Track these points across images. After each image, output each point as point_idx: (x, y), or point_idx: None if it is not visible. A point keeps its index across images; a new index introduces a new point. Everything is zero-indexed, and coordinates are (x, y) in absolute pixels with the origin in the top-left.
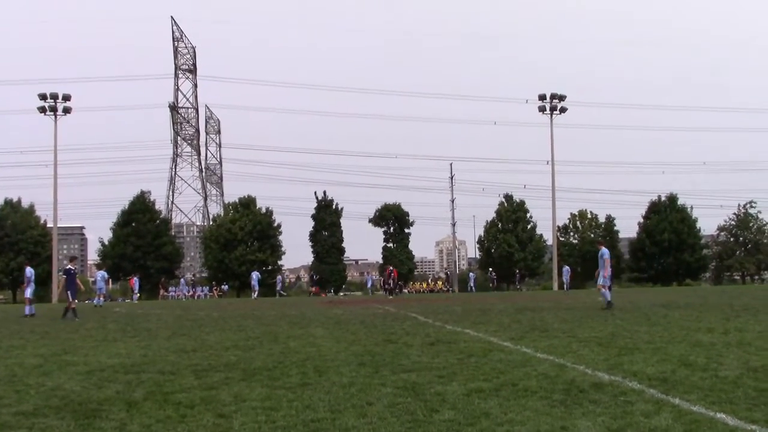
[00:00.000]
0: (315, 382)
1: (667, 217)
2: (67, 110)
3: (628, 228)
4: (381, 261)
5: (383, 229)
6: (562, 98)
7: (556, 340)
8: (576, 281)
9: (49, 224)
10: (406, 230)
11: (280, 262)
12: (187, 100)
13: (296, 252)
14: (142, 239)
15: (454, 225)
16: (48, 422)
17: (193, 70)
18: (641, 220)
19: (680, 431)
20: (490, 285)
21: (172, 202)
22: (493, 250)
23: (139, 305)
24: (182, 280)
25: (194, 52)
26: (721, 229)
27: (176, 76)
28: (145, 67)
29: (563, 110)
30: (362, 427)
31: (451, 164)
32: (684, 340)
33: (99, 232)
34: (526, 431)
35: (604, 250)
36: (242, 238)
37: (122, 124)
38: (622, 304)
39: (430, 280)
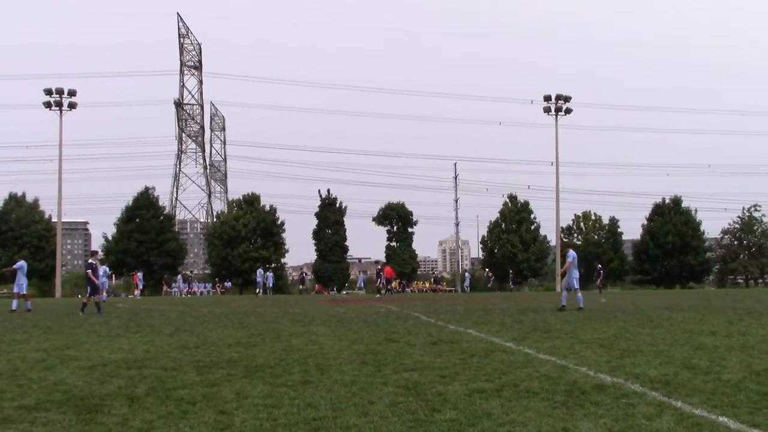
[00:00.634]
0: (317, 380)
1: (671, 220)
2: (72, 106)
3: (631, 230)
4: (384, 260)
5: (387, 228)
6: (567, 99)
7: (558, 341)
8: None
9: (54, 219)
10: (410, 229)
11: (283, 260)
12: (193, 96)
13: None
14: (145, 235)
15: (457, 225)
16: (50, 416)
17: (198, 67)
18: (645, 222)
19: None
20: (488, 285)
21: (176, 199)
22: (496, 251)
23: (142, 301)
24: (179, 276)
25: (200, 48)
26: (725, 232)
27: (181, 72)
28: (150, 64)
29: (568, 111)
30: (364, 426)
31: (455, 164)
32: (687, 343)
33: (103, 228)
34: None
35: (571, 253)
36: (246, 236)
37: (127, 120)
38: (625, 306)
39: (433, 280)
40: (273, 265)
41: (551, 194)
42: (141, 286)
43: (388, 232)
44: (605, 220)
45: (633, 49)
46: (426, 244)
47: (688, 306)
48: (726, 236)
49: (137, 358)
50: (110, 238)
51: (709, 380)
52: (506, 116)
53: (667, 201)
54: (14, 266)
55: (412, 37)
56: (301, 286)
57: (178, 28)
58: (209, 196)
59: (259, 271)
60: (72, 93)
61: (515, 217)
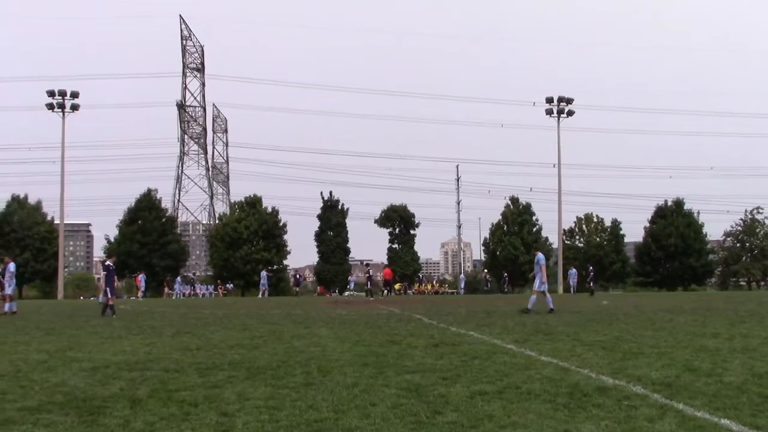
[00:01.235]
0: (319, 382)
1: (673, 222)
2: (75, 107)
3: (634, 232)
4: (386, 261)
5: (389, 230)
6: (569, 101)
7: (560, 343)
8: (581, 284)
9: (56, 221)
10: (412, 231)
11: (285, 262)
12: (195, 98)
13: (302, 252)
14: (148, 237)
15: (459, 227)
16: (52, 418)
17: (200, 69)
18: (647, 225)
19: None
20: (485, 288)
21: (179, 201)
22: (498, 253)
23: (144, 303)
24: (178, 278)
25: (202, 50)
26: (727, 234)
27: (184, 74)
28: (153, 66)
29: (570, 113)
30: (365, 428)
31: (457, 166)
32: (689, 346)
33: (105, 229)
34: None
35: (540, 256)
36: (248, 237)
37: (130, 122)
38: (627, 308)
39: (435, 282)
40: (275, 266)
41: (553, 196)
42: (143, 288)
43: (390, 234)
44: (607, 223)
45: (635, 52)
46: (428, 246)
47: (691, 308)
48: (728, 238)
49: (139, 359)
50: (112, 239)
51: (711, 383)
52: (508, 118)
53: (670, 203)
54: (11, 270)
55: (414, 39)
56: (296, 289)
57: (181, 31)
58: (211, 197)
59: (263, 273)
60: (74, 95)
61: (517, 219)
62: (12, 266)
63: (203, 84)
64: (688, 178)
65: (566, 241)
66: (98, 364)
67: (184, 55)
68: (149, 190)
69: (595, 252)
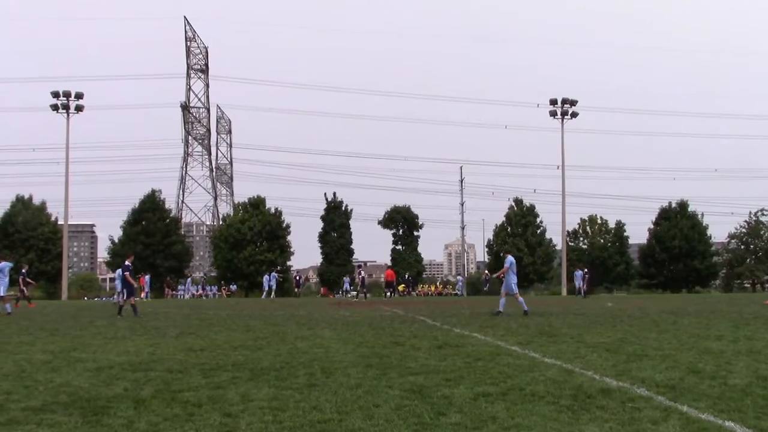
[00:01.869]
0: (322, 383)
1: (677, 224)
2: (79, 108)
3: (638, 234)
4: (390, 263)
5: (392, 231)
6: (573, 103)
7: (564, 345)
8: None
9: (60, 221)
10: (416, 233)
11: (288, 263)
12: (199, 99)
13: (305, 253)
14: (151, 238)
15: (463, 228)
16: (56, 418)
17: (205, 70)
18: (651, 226)
19: None
20: (484, 289)
21: (183, 202)
22: (502, 254)
23: (149, 304)
24: (188, 279)
25: (206, 52)
26: (731, 236)
27: (188, 75)
28: (157, 67)
29: (574, 115)
30: (369, 429)
31: (461, 167)
32: (693, 348)
33: (109, 230)
34: None
35: (509, 258)
36: (251, 238)
37: (134, 123)
38: (631, 310)
39: (438, 283)
40: (278, 267)
41: (557, 198)
42: (148, 289)
43: (394, 235)
44: (611, 224)
45: (639, 53)
46: (432, 248)
47: (695, 310)
48: (733, 240)
49: (143, 360)
50: (116, 240)
51: (715, 385)
52: (512, 120)
53: (674, 205)
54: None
55: (418, 40)
56: (297, 290)
57: (185, 32)
58: (215, 198)
59: (273, 275)
60: (79, 96)
61: (521, 220)
62: (3, 266)
63: (207, 85)
64: (692, 179)
65: (570, 243)
66: (102, 364)
67: (188, 57)
68: (153, 191)
69: (599, 254)
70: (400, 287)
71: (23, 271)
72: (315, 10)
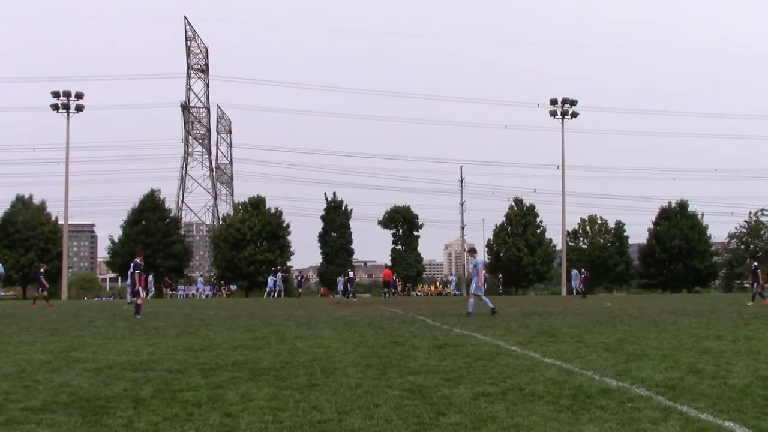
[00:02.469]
0: (322, 383)
1: (677, 224)
2: (79, 108)
3: (638, 234)
4: (389, 263)
5: (392, 231)
6: (573, 103)
7: (564, 345)
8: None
9: (60, 221)
10: (415, 233)
11: (288, 263)
12: (199, 99)
13: (305, 253)
14: (151, 237)
15: (463, 228)
16: (55, 418)
17: (205, 70)
18: (651, 226)
19: None
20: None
21: (182, 201)
22: (502, 254)
23: (149, 304)
24: (200, 279)
25: (207, 51)
26: (731, 236)
27: (188, 75)
28: (157, 67)
29: (574, 115)
30: (368, 429)
31: (461, 167)
32: (693, 348)
33: (109, 230)
34: None
35: (479, 260)
36: (251, 238)
37: (134, 123)
38: (631, 310)
39: (438, 283)
40: (279, 267)
41: (557, 198)
42: (152, 289)
43: (394, 235)
44: (611, 224)
45: (639, 53)
46: (432, 248)
47: (695, 310)
48: (732, 240)
49: (143, 360)
50: (116, 240)
51: (715, 385)
52: (512, 120)
53: (674, 205)
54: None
55: (419, 40)
56: (299, 290)
57: (185, 32)
58: (215, 198)
59: (274, 277)
60: (79, 95)
61: (521, 220)
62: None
63: (207, 85)
64: (692, 179)
65: (570, 243)
66: (102, 364)
67: (188, 56)
68: (153, 191)
69: (599, 254)
70: (398, 287)
71: (41, 271)
72: (315, 10)
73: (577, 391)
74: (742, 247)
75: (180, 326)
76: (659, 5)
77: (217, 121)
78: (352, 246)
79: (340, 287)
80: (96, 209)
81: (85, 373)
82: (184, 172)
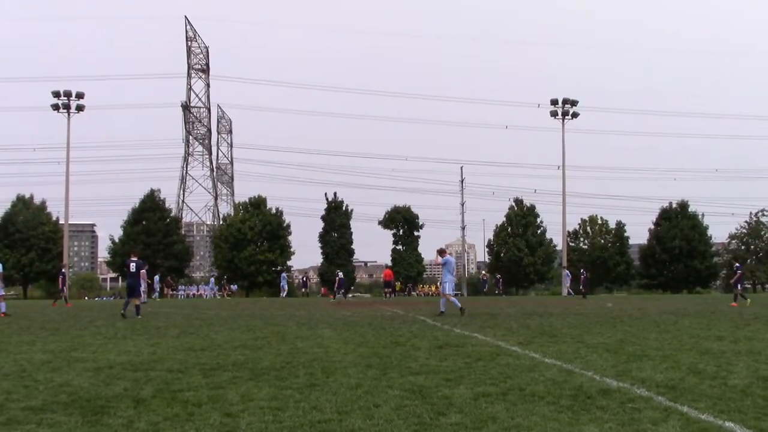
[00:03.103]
0: (322, 383)
1: (678, 224)
2: (80, 108)
3: (638, 234)
4: (390, 263)
5: (393, 232)
6: (574, 103)
7: (564, 345)
8: (576, 286)
9: (61, 221)
10: (416, 233)
11: (289, 263)
12: (200, 99)
13: (306, 253)
14: (152, 237)
15: (463, 228)
16: (56, 418)
17: (205, 70)
18: (652, 227)
19: None
20: (483, 290)
21: (183, 201)
22: (502, 254)
23: (150, 303)
24: (212, 279)
25: (207, 51)
26: (732, 237)
27: (189, 75)
28: (158, 67)
29: (575, 115)
30: (369, 429)
31: (461, 167)
32: (693, 348)
33: (110, 230)
34: None
35: (448, 258)
36: (252, 238)
37: (134, 123)
38: (631, 310)
39: (438, 283)
40: (279, 267)
41: (557, 198)
42: (157, 289)
43: (394, 235)
44: (612, 225)
45: (640, 54)
46: (432, 248)
47: (695, 311)
48: (733, 241)
49: (143, 360)
50: (117, 240)
51: (715, 385)
52: (513, 120)
53: (674, 205)
54: None
55: (419, 40)
56: (304, 290)
57: (186, 32)
58: (216, 198)
59: (284, 275)
60: (80, 95)
61: (521, 221)
62: None
63: (208, 85)
64: (692, 180)
65: (570, 243)
66: (102, 364)
67: (189, 56)
68: (153, 191)
69: (600, 254)
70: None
71: (63, 271)
72: (314, 10)
73: (577, 391)
74: (743, 247)
75: (181, 326)
76: (660, 5)
77: (218, 121)
78: (353, 246)
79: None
80: (96, 209)
81: (85, 373)
82: (184, 172)
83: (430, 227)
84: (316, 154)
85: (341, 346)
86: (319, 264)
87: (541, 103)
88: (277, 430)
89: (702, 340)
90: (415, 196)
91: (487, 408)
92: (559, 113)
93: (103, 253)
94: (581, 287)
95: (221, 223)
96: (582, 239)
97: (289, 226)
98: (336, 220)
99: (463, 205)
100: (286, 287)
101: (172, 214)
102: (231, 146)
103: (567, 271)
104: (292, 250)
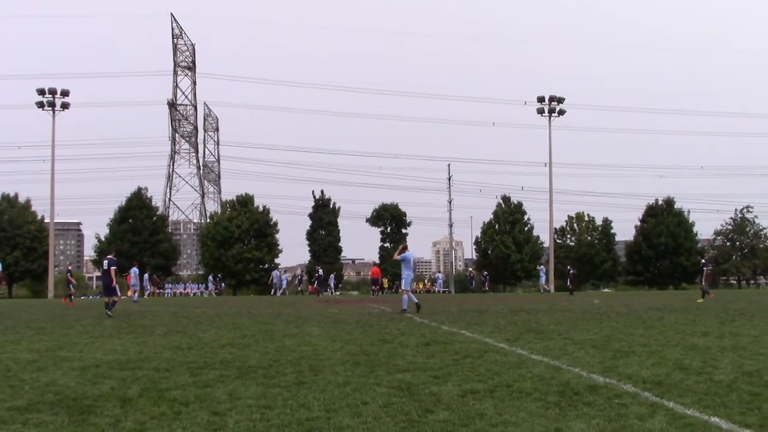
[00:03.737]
0: (310, 381)
1: (664, 221)
2: (65, 106)
3: (625, 231)
4: (378, 261)
5: (380, 229)
6: (560, 101)
7: (551, 342)
8: (563, 284)
9: (46, 219)
10: (404, 230)
11: (276, 261)
12: (186, 97)
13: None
14: (138, 236)
15: (451, 226)
16: (42, 417)
17: (192, 68)
18: (638, 224)
19: None
20: (470, 287)
21: (170, 199)
22: (489, 252)
23: (139, 302)
24: (210, 277)
25: (193, 49)
26: (717, 233)
27: (175, 73)
28: (144, 64)
29: (562, 112)
30: (357, 427)
31: (449, 165)
32: (679, 344)
33: (96, 228)
34: None
35: (407, 254)
36: (239, 236)
37: (120, 121)
38: (617, 307)
39: (426, 281)
40: (266, 264)
41: (545, 195)
42: (147, 287)
43: (382, 233)
44: (598, 221)
45: (626, 51)
46: (420, 245)
47: (681, 307)
48: (719, 237)
49: (130, 359)
50: (103, 238)
51: (701, 381)
52: (500, 117)
53: (660, 202)
54: None
55: (405, 38)
56: (300, 287)
57: (172, 29)
58: (202, 196)
59: (275, 273)
60: (65, 93)
61: (509, 218)
62: None
63: (194, 82)
64: (678, 177)
65: (557, 240)
66: (89, 363)
67: (175, 54)
68: (140, 189)
69: (586, 251)
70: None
71: (69, 269)
72: (304, 8)
73: (564, 387)
74: (728, 243)
75: (168, 325)
76: (653, 3)
77: (204, 119)
78: (340, 244)
79: (332, 284)
80: (82, 207)
81: (71, 372)
82: (171, 170)
83: (418, 225)
84: (304, 151)
85: (329, 343)
86: (307, 262)
87: (528, 100)
88: (264, 429)
89: (688, 336)
90: (403, 194)
91: (474, 405)
92: (546, 110)
93: (89, 252)
94: (568, 284)
95: (208, 221)
96: (569, 236)
97: (276, 224)
98: (323, 218)
99: (450, 202)
100: (285, 285)
101: (159, 212)
102: (218, 144)
103: (543, 267)
104: (279, 248)
